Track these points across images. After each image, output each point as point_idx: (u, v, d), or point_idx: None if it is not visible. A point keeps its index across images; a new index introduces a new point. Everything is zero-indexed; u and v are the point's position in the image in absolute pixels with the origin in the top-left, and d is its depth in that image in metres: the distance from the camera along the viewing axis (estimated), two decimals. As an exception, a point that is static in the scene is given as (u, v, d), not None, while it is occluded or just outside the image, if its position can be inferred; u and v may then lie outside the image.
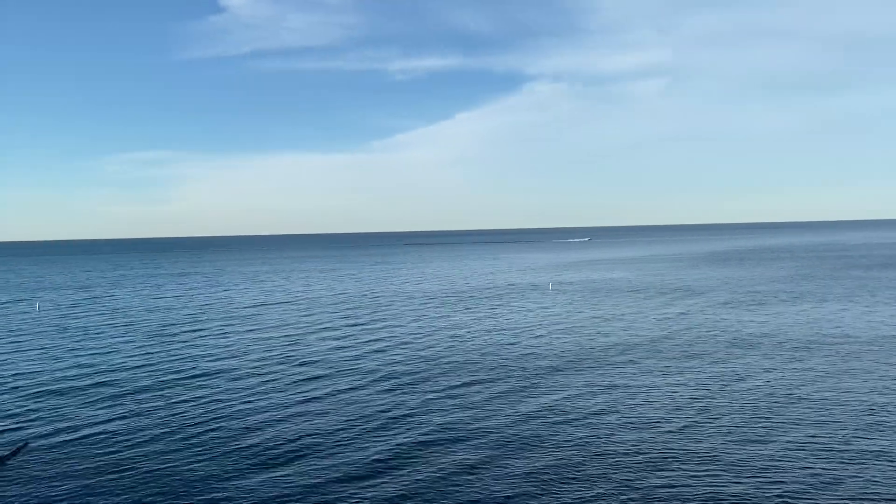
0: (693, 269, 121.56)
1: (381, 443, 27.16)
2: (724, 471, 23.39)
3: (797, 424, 28.26)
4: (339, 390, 35.89)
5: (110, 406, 33.63)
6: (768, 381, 35.64)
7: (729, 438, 26.69)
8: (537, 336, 51.96)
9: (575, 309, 67.84)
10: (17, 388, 38.05)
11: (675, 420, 29.33)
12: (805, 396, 32.50)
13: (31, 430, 29.65)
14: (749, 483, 22.31)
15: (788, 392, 33.32)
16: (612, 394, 33.92)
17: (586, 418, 29.88)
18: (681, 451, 25.40)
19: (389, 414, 31.19)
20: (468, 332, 54.30)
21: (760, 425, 28.21)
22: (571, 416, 30.22)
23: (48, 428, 30.01)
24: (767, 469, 23.51)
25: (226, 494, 22.39)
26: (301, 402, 33.58)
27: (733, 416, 29.64)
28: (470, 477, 23.48)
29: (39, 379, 40.25)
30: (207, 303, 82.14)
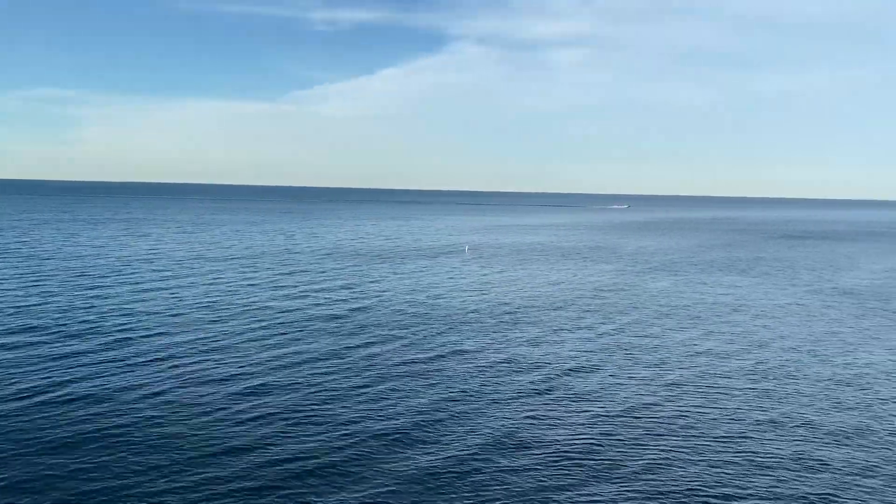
0: (605, 236, 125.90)
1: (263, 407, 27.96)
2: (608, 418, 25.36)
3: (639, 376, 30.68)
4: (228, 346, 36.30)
5: (23, 359, 33.03)
6: (656, 343, 38.22)
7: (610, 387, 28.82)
8: (443, 297, 53.37)
9: (490, 272, 69.69)
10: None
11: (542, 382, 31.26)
12: (662, 358, 35.11)
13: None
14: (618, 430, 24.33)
15: (653, 351, 35.92)
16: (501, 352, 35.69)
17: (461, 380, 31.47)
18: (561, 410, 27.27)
19: (272, 376, 31.93)
20: (370, 293, 55.20)
21: (632, 374, 30.52)
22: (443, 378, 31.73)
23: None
24: (637, 417, 25.62)
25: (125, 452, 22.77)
26: (209, 361, 33.86)
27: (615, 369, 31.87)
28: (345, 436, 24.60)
29: (-50, 327, 38.89)
30: (131, 253, 79.90)
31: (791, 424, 26.67)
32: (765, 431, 25.84)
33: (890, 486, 21.50)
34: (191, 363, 32.75)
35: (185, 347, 35.67)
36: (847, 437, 25.46)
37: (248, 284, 57.52)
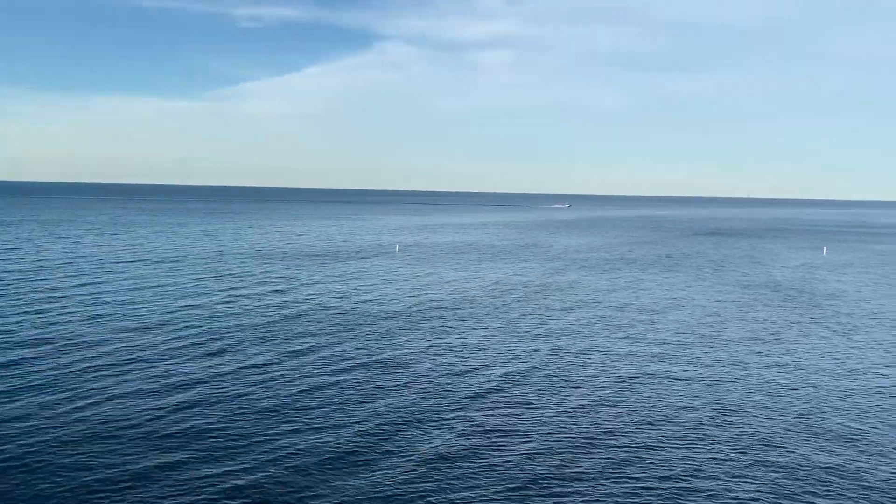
0: (539, 235, 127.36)
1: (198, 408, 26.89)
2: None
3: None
4: (158, 354, 34.84)
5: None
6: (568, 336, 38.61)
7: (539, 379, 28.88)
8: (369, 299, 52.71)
9: (419, 271, 69.30)
10: None
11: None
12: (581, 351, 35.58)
13: None
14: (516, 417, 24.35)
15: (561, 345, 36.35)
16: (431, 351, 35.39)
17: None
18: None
19: (203, 378, 30.81)
20: (303, 295, 54.12)
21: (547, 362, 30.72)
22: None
23: None
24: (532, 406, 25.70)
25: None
26: (129, 369, 32.32)
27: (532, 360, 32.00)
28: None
29: None
30: (47, 257, 75.90)
31: (734, 414, 27.09)
32: (709, 423, 26.15)
33: (837, 474, 22.01)
34: (114, 375, 31.06)
35: (107, 358, 33.86)
36: (791, 424, 26.02)
37: (174, 289, 55.38)
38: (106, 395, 28.00)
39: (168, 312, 45.39)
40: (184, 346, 36.36)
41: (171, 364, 32.93)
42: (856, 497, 20.82)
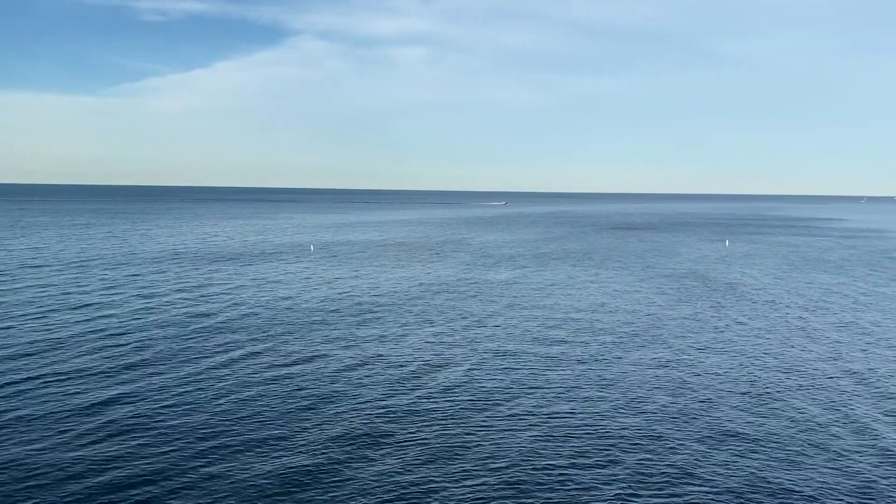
0: (451, 232, 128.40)
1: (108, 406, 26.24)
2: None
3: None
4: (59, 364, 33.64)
5: None
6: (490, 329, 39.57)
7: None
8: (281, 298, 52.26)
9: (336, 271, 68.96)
10: None
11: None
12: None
13: None
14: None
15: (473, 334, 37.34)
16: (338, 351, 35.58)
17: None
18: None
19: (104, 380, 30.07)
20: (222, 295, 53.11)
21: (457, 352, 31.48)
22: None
23: None
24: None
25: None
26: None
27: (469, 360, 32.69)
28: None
29: None
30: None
31: (631, 399, 28.19)
32: (614, 411, 27.14)
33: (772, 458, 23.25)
34: (18, 395, 29.61)
35: (11, 376, 32.25)
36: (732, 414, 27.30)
37: (83, 297, 53.08)
38: (9, 419, 26.64)
39: (77, 322, 43.53)
40: (96, 361, 34.89)
41: (83, 382, 31.57)
42: (800, 480, 22.13)
